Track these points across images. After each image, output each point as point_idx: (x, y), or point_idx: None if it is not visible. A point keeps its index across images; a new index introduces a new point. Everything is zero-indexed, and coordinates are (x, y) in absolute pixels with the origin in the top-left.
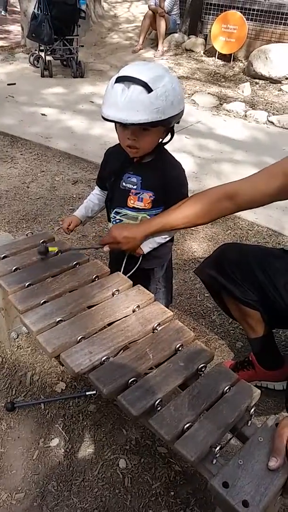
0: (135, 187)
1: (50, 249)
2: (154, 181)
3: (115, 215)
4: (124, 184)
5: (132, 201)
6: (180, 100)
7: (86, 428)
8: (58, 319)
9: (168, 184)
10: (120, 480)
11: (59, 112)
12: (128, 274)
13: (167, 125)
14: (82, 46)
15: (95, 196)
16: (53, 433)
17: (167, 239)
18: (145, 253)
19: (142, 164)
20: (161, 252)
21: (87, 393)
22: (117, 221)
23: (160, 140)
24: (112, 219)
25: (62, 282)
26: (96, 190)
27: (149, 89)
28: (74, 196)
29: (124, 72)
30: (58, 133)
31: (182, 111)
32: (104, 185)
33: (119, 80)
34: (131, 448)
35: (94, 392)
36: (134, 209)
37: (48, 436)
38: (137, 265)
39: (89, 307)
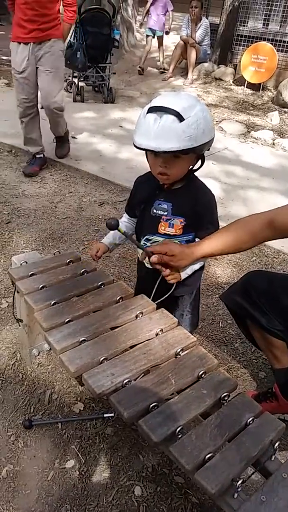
0: (166, 213)
1: (119, 228)
2: (185, 207)
3: (145, 242)
4: (154, 210)
5: (163, 228)
6: (211, 129)
7: (103, 452)
8: (81, 339)
9: (199, 210)
10: (135, 508)
11: (89, 136)
12: (159, 300)
13: (198, 153)
14: (114, 73)
15: (123, 223)
16: (69, 454)
17: (201, 265)
18: (181, 279)
19: (173, 190)
20: (191, 280)
21: (105, 415)
22: None
23: (191, 167)
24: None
25: (87, 302)
26: (124, 217)
27: (181, 118)
28: (100, 217)
29: (156, 102)
30: (87, 156)
31: (213, 139)
32: (133, 213)
33: (152, 110)
34: (147, 476)
35: (112, 414)
36: (165, 235)
37: (64, 457)
38: (170, 292)
39: (112, 328)
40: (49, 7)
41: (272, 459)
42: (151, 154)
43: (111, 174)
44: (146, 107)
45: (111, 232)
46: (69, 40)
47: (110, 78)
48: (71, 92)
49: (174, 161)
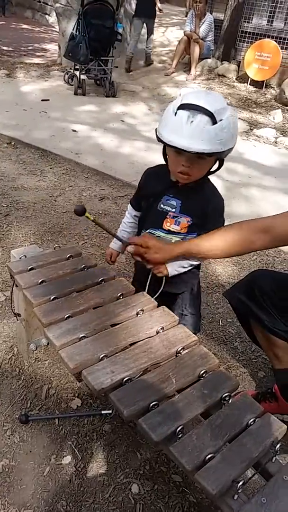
0: (173, 210)
1: (87, 214)
2: (194, 206)
3: None
4: (162, 205)
5: (168, 224)
6: (237, 134)
7: (100, 448)
8: (81, 335)
9: (208, 212)
10: (132, 506)
11: (90, 129)
12: (154, 297)
13: (223, 157)
14: (116, 67)
15: (127, 225)
16: (66, 450)
17: (193, 266)
18: (170, 275)
19: (185, 188)
20: (188, 276)
21: (103, 412)
22: None
23: (209, 168)
24: None
25: (87, 297)
26: (128, 217)
27: (214, 120)
28: (100, 212)
29: (189, 100)
30: (88, 150)
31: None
32: (139, 205)
33: (184, 107)
34: (145, 473)
35: (110, 411)
36: (169, 232)
37: (60, 453)
38: (161, 288)
39: (113, 325)
40: None
41: (273, 460)
42: (173, 152)
43: (112, 168)
44: (176, 103)
45: (118, 234)
46: (72, 32)
47: (112, 72)
48: (72, 85)
49: (197, 162)
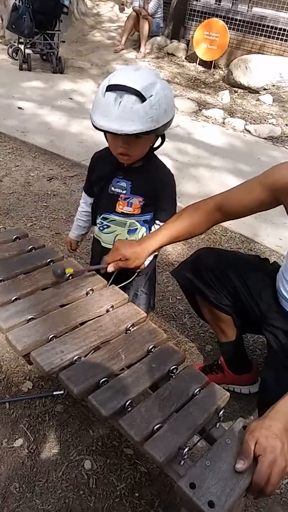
0: (124, 191)
1: (67, 271)
2: (144, 186)
3: (102, 221)
4: (113, 188)
5: (120, 206)
6: (172, 107)
7: (52, 429)
8: (29, 317)
9: (158, 189)
10: (85, 481)
11: (36, 107)
12: (122, 285)
13: (160, 133)
14: (63, 41)
15: (82, 214)
16: (17, 433)
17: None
18: (145, 266)
19: (132, 168)
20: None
21: (55, 393)
22: (105, 226)
23: (151, 145)
24: (98, 225)
25: (35, 279)
26: (83, 207)
27: (142, 98)
28: (49, 193)
29: (115, 80)
30: (35, 128)
31: (173, 116)
32: (92, 191)
33: (111, 88)
34: (97, 449)
35: (62, 392)
36: (122, 214)
37: (12, 436)
38: (134, 276)
39: (62, 305)
40: None
41: (217, 426)
42: (109, 134)
43: (61, 148)
44: (105, 83)
45: (75, 224)
46: (14, 2)
47: (59, 47)
48: (17, 60)
49: (135, 141)
